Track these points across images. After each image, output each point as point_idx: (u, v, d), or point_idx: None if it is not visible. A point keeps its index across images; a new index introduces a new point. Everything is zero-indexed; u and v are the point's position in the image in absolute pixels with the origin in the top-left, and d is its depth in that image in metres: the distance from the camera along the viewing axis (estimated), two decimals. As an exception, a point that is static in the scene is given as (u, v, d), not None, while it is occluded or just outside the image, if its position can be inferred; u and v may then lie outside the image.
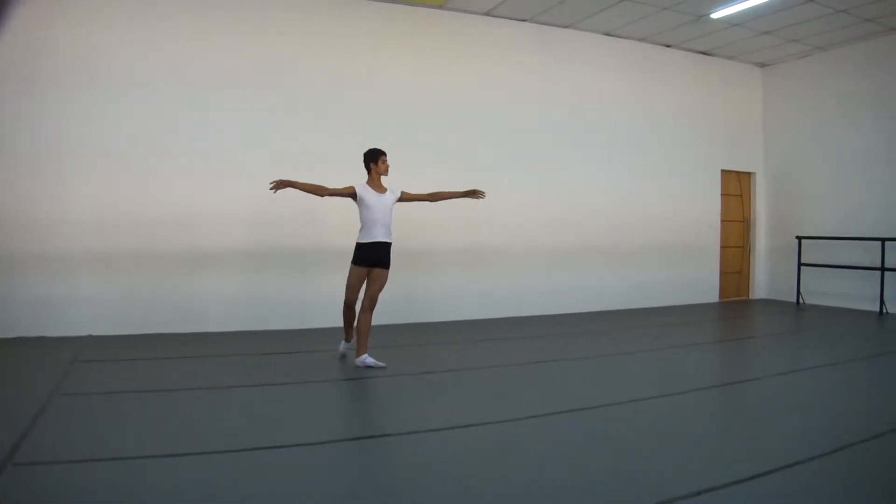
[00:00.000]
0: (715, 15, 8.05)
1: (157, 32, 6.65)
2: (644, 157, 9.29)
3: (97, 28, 6.44)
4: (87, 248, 6.39)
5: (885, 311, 8.47)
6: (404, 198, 5.24)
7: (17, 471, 2.92)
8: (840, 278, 9.11)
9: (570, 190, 8.71)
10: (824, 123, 9.48)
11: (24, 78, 6.17)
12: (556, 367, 5.50)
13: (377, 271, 5.11)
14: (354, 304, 5.23)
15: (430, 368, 5.32)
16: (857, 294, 8.90)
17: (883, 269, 8.39)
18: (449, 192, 5.46)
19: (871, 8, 7.62)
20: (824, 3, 7.48)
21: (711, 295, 9.98)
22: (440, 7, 7.87)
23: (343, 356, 5.54)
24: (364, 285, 5.17)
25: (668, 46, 9.43)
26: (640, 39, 9.14)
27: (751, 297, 10.45)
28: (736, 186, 10.39)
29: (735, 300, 10.20)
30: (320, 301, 7.10)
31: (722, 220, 10.16)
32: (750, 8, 7.70)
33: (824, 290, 9.36)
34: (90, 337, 6.29)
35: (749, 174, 10.47)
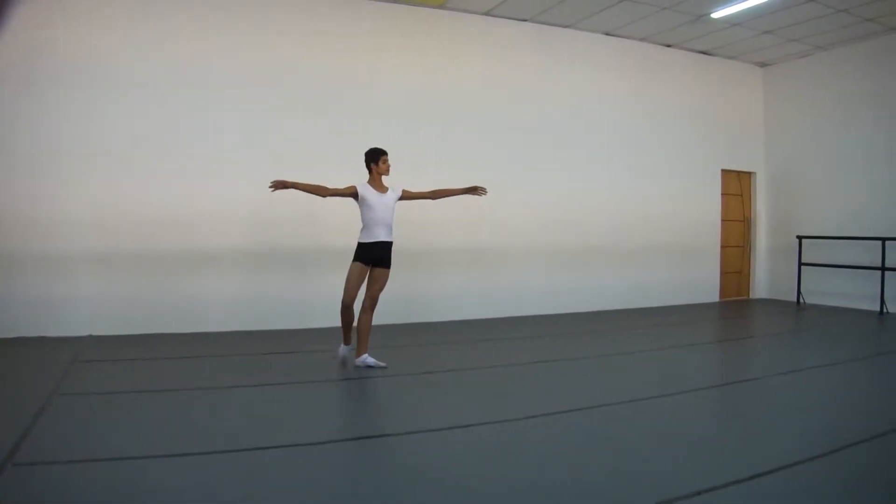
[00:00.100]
0: (715, 15, 8.05)
1: (157, 32, 6.65)
2: (644, 156, 9.29)
3: (97, 28, 6.44)
4: (87, 248, 6.39)
5: (885, 310, 8.47)
6: (406, 196, 5.23)
7: (17, 471, 2.92)
8: (840, 278, 9.11)
9: (570, 190, 8.71)
10: (824, 123, 9.47)
11: (24, 78, 6.17)
12: (556, 367, 5.50)
13: (378, 271, 5.10)
14: (353, 304, 5.12)
15: (430, 368, 5.32)
16: (857, 294, 8.90)
17: (883, 268, 8.39)
18: (450, 190, 5.45)
19: (871, 8, 7.62)
20: (825, 2, 7.48)
21: (712, 295, 9.98)
22: (440, 7, 7.87)
23: (343, 361, 5.32)
24: (364, 285, 5.16)
25: (669, 46, 9.43)
26: (641, 39, 9.14)
27: (751, 296, 10.45)
28: (736, 186, 10.39)
29: (735, 300, 10.20)
30: (320, 301, 7.09)
31: (722, 220, 10.16)
32: (750, 8, 7.70)
33: (825, 290, 9.36)
34: (90, 337, 6.29)
35: (749, 174, 10.46)
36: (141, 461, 3.10)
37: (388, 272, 5.16)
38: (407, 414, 4.15)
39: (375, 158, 5.16)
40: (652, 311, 8.89)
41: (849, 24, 8.22)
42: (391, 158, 5.25)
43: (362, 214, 5.11)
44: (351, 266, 5.10)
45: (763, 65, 10.30)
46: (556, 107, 8.67)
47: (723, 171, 10.11)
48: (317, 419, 3.96)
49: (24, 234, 6.18)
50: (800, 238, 9.49)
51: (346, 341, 5.34)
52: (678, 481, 2.90)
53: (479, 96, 8.17)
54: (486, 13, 8.14)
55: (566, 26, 8.64)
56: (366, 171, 5.22)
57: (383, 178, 5.23)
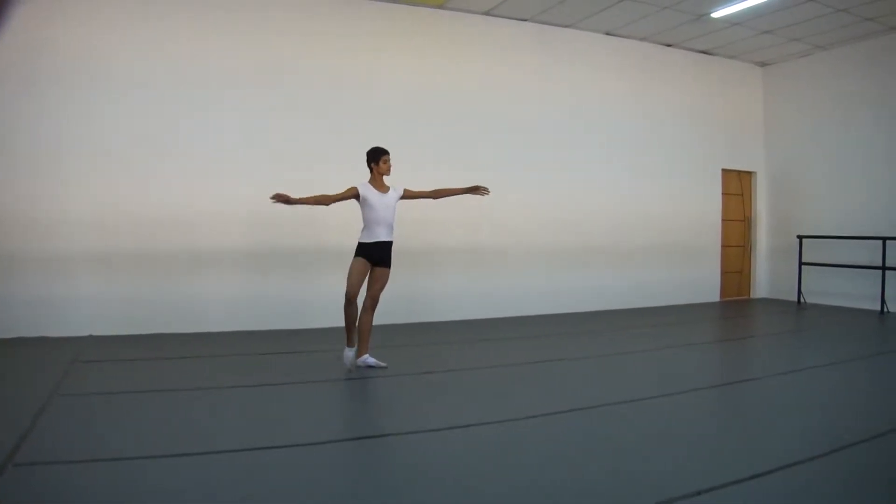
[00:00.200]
0: (715, 14, 8.04)
1: (157, 32, 6.65)
2: (644, 156, 9.29)
3: (97, 28, 6.44)
4: (87, 248, 6.39)
5: (885, 310, 8.47)
6: (407, 195, 5.21)
7: (17, 471, 2.92)
8: (841, 277, 9.10)
9: (570, 190, 8.70)
10: (824, 123, 9.47)
11: (24, 78, 6.17)
12: (556, 367, 5.50)
13: (379, 270, 5.08)
14: (356, 298, 5.00)
15: (430, 368, 5.31)
16: (857, 293, 8.90)
17: (884, 268, 8.39)
18: (451, 189, 5.41)
19: (871, 7, 7.62)
20: (824, 2, 7.47)
21: (712, 294, 9.97)
22: (440, 7, 7.87)
23: (352, 367, 5.08)
24: (365, 284, 5.14)
25: (669, 46, 9.43)
26: (641, 39, 9.14)
27: (752, 296, 10.45)
28: (737, 186, 10.39)
29: (736, 300, 10.20)
30: (320, 301, 7.10)
31: (723, 220, 10.15)
32: (750, 7, 7.70)
33: (825, 290, 9.36)
34: (90, 337, 6.30)
35: (750, 173, 10.46)
36: (141, 461, 3.10)
37: (389, 272, 5.15)
38: (407, 414, 4.14)
39: (376, 158, 5.14)
40: (652, 311, 8.89)
41: (849, 24, 8.21)
42: (391, 158, 5.23)
43: (363, 214, 5.09)
44: (352, 262, 5.04)
45: (763, 64, 10.30)
46: (556, 107, 8.66)
47: (723, 170, 10.11)
48: (317, 419, 3.96)
49: (24, 234, 6.18)
50: (800, 238, 9.49)
51: (351, 343, 5.12)
52: (678, 481, 2.90)
53: (479, 96, 8.16)
54: (486, 13, 8.13)
55: (566, 26, 8.64)
56: (366, 170, 5.21)
57: (384, 177, 5.21)
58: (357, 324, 5.13)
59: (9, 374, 4.88)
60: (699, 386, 4.82)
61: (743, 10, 7.79)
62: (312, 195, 5.05)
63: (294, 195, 5.08)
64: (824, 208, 9.46)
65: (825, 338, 7.11)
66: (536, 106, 8.54)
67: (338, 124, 7.33)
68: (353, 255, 5.10)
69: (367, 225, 5.08)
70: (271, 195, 4.95)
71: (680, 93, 9.59)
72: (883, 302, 8.49)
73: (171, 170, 6.68)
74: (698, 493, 2.73)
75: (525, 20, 8.42)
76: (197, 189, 6.78)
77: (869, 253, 8.68)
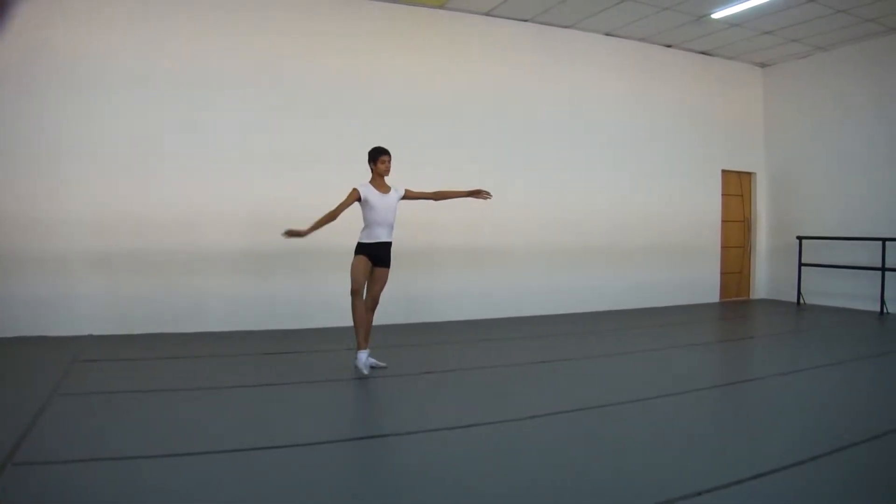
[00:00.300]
0: (715, 15, 8.05)
1: (157, 32, 6.65)
2: (644, 157, 9.29)
3: (97, 28, 6.44)
4: (87, 247, 6.39)
5: (885, 310, 8.47)
6: (408, 196, 5.18)
7: (17, 471, 2.92)
8: (840, 278, 9.11)
9: (570, 190, 8.71)
10: (825, 123, 9.47)
11: (24, 78, 6.17)
12: (556, 367, 5.50)
13: (379, 270, 5.06)
14: (362, 291, 4.92)
15: (430, 368, 5.31)
16: (857, 294, 8.90)
17: (883, 268, 8.39)
18: (453, 192, 5.39)
19: (871, 8, 7.62)
20: (825, 3, 7.48)
21: (712, 295, 9.98)
22: (440, 7, 7.87)
23: (365, 368, 4.88)
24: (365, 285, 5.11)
25: (669, 46, 9.43)
26: (641, 39, 9.14)
27: (751, 297, 10.45)
28: (736, 186, 10.39)
29: (735, 300, 10.20)
30: (320, 301, 7.10)
31: (722, 220, 10.16)
32: (750, 8, 7.70)
33: (825, 290, 9.36)
34: (90, 336, 6.29)
35: (749, 174, 10.46)
36: (141, 461, 3.10)
37: (388, 271, 5.14)
38: (407, 414, 4.14)
39: (374, 158, 5.09)
40: (652, 311, 8.89)
41: (849, 25, 8.22)
42: (392, 158, 5.19)
43: (364, 215, 5.05)
44: (354, 259, 4.98)
45: (763, 65, 10.30)
46: (556, 107, 8.67)
47: (723, 171, 10.11)
48: (317, 419, 3.96)
49: (24, 234, 6.18)
50: (800, 238, 9.49)
51: (363, 344, 4.95)
52: (678, 481, 2.90)
53: (479, 96, 8.16)
54: (487, 13, 8.14)
55: (567, 26, 8.64)
56: (366, 169, 5.18)
57: (386, 177, 5.17)
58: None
59: (9, 374, 4.88)
60: (699, 386, 4.82)
61: (743, 10, 7.79)
62: (319, 219, 4.92)
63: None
64: (824, 209, 9.46)
65: (825, 338, 7.11)
66: (536, 106, 8.54)
67: (338, 124, 7.33)
68: (352, 255, 5.07)
69: (368, 225, 5.05)
70: (282, 232, 4.89)
71: (680, 93, 9.59)
72: (882, 303, 8.49)
73: (171, 170, 6.68)
74: (699, 494, 2.73)
75: (525, 21, 8.43)
76: (197, 189, 6.77)
77: (868, 254, 8.69)
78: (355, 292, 4.92)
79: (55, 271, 6.27)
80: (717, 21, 8.26)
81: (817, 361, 5.73)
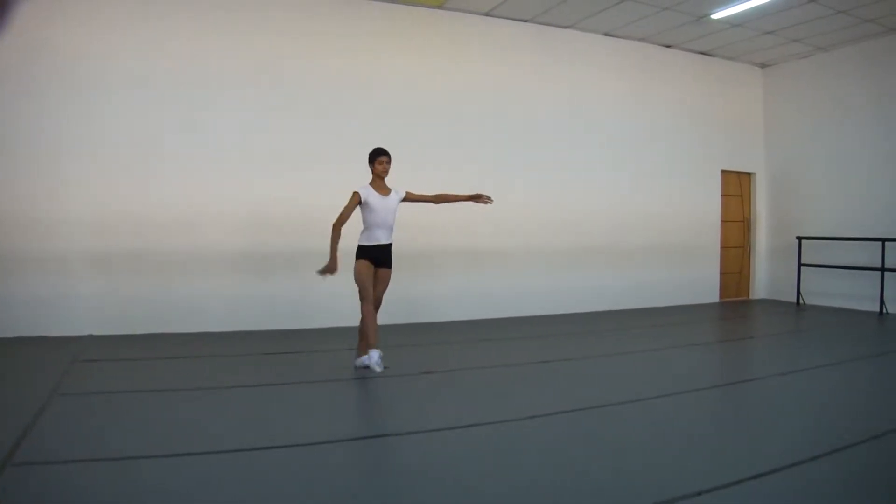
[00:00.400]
0: (715, 15, 8.05)
1: (157, 32, 6.65)
2: (644, 157, 9.29)
3: (97, 28, 6.44)
4: (87, 247, 6.39)
5: (885, 311, 8.47)
6: (408, 198, 5.14)
7: (17, 471, 2.92)
8: (840, 278, 9.11)
9: (569, 190, 8.71)
10: (824, 123, 9.48)
11: (24, 78, 6.17)
12: (556, 367, 5.50)
13: (382, 272, 5.03)
14: (371, 298, 4.86)
15: (430, 368, 5.31)
16: (857, 294, 8.90)
17: (883, 269, 8.40)
18: (454, 195, 5.35)
19: (871, 9, 7.62)
20: (825, 3, 7.48)
21: (711, 295, 9.98)
22: (440, 7, 7.87)
23: (378, 366, 4.61)
24: None
25: (669, 47, 9.43)
26: (641, 40, 9.14)
27: (751, 297, 10.45)
28: (736, 187, 10.39)
29: (735, 300, 10.20)
30: (320, 301, 7.10)
31: (722, 221, 10.16)
32: (750, 8, 7.70)
33: (824, 291, 9.36)
34: (90, 337, 6.29)
35: (749, 174, 10.47)
36: (141, 461, 3.10)
37: (391, 272, 5.12)
38: (407, 414, 4.15)
39: (372, 159, 5.06)
40: (652, 311, 8.90)
41: (849, 26, 8.22)
42: (392, 159, 5.15)
43: (363, 216, 5.00)
44: (357, 265, 4.92)
45: (763, 65, 10.30)
46: (556, 107, 8.67)
47: (722, 171, 10.11)
48: (317, 419, 3.96)
49: (24, 234, 6.18)
50: (799, 239, 9.49)
51: (374, 344, 4.74)
52: (678, 481, 2.90)
53: (479, 97, 8.17)
54: (486, 13, 8.14)
55: (566, 27, 8.64)
56: (366, 170, 5.16)
57: (386, 179, 5.14)
58: (359, 325, 5.10)
59: (9, 374, 4.88)
60: (699, 386, 4.82)
61: (743, 11, 7.79)
62: (332, 240, 4.83)
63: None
64: (824, 209, 9.46)
65: (825, 338, 7.12)
66: (536, 106, 8.54)
67: (338, 124, 7.33)
68: (353, 256, 4.98)
69: (367, 227, 5.00)
70: (318, 271, 4.79)
71: (680, 94, 9.59)
72: (882, 303, 8.49)
73: (171, 170, 6.68)
74: (698, 494, 2.73)
75: (525, 21, 8.43)
76: (197, 189, 6.77)
77: (868, 254, 8.69)
78: (365, 298, 4.84)
79: (55, 271, 6.27)
80: (717, 21, 8.26)
81: (817, 361, 5.74)
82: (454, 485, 2.91)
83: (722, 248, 10.16)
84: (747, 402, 4.55)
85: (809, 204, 9.71)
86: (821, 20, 8.04)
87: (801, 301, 9.54)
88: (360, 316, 5.13)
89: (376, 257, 4.98)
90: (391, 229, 5.06)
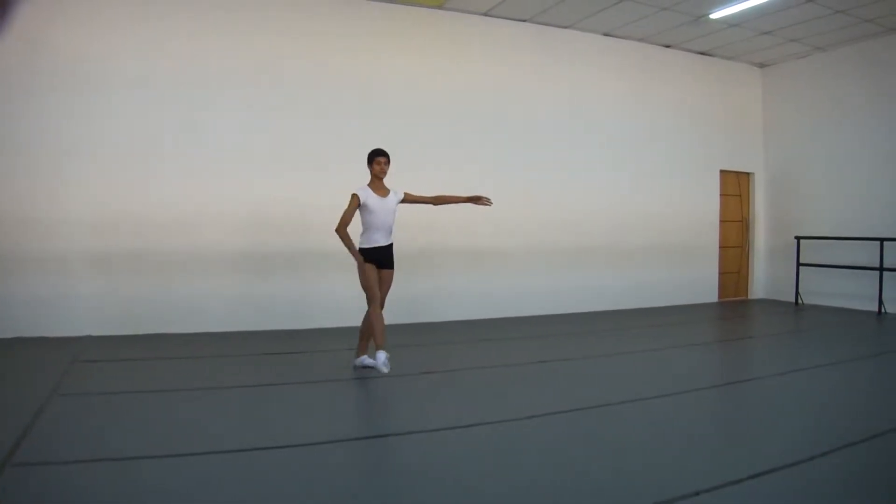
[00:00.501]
0: (714, 15, 8.05)
1: (157, 32, 6.65)
2: (643, 157, 9.30)
3: (97, 28, 6.44)
4: (87, 247, 6.39)
5: (883, 310, 8.48)
6: (407, 199, 5.11)
7: (17, 471, 2.92)
8: (839, 278, 9.12)
9: (570, 190, 8.71)
10: (823, 123, 9.49)
11: (24, 78, 6.17)
12: (556, 367, 5.50)
13: (385, 273, 5.00)
14: (379, 300, 4.85)
15: (430, 368, 5.32)
16: (855, 294, 8.91)
17: (882, 268, 8.40)
18: (453, 197, 5.34)
19: (870, 8, 7.63)
20: (823, 3, 7.49)
21: (710, 295, 9.99)
22: (440, 7, 7.88)
23: (385, 367, 4.59)
24: None
25: (668, 47, 9.44)
26: (640, 40, 9.15)
27: (750, 297, 10.46)
28: (734, 186, 10.40)
29: (734, 300, 10.21)
30: (320, 301, 7.11)
31: (721, 220, 10.17)
32: (749, 8, 7.71)
33: (823, 290, 9.37)
34: (90, 337, 6.29)
35: (748, 174, 10.47)
36: (141, 461, 3.10)
37: (393, 272, 5.09)
38: (407, 414, 4.15)
39: (371, 160, 5.03)
40: (651, 311, 8.90)
41: (847, 25, 8.23)
42: (391, 159, 5.14)
43: (363, 218, 4.96)
44: (360, 270, 4.87)
45: (762, 65, 10.31)
46: (555, 107, 8.67)
47: (721, 171, 10.12)
48: (317, 419, 3.96)
49: (24, 234, 6.17)
50: (798, 238, 9.50)
51: (381, 346, 4.71)
52: (678, 481, 2.90)
53: (479, 96, 8.17)
54: (486, 13, 8.14)
55: (565, 27, 8.65)
56: (365, 170, 5.15)
57: (385, 178, 5.12)
58: (362, 324, 5.10)
59: (8, 374, 4.88)
60: (699, 386, 4.82)
61: (742, 11, 7.80)
62: (345, 240, 4.80)
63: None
64: (822, 209, 9.47)
65: (823, 338, 7.12)
66: (536, 106, 8.54)
67: (338, 124, 7.33)
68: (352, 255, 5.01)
69: (366, 229, 4.95)
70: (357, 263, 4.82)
71: (679, 93, 9.60)
72: (881, 302, 8.50)
73: (171, 170, 6.68)
74: (697, 494, 2.74)
75: (524, 21, 8.43)
76: (197, 189, 6.77)
77: (867, 254, 8.70)
78: (372, 302, 4.81)
79: (55, 271, 6.27)
80: (716, 21, 8.27)
81: (816, 361, 5.74)
82: (454, 485, 2.91)
83: (721, 247, 10.17)
84: (747, 402, 4.55)
85: (808, 204, 9.71)
86: (819, 20, 8.05)
87: (799, 301, 9.55)
88: (361, 316, 5.14)
89: (377, 259, 4.95)
90: (390, 231, 5.03)
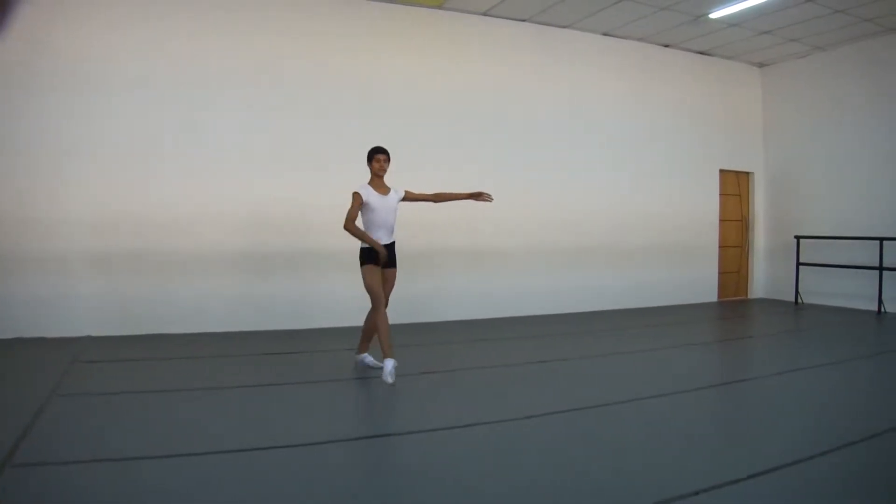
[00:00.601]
0: (713, 15, 8.05)
1: (157, 32, 6.65)
2: (643, 157, 9.30)
3: (97, 28, 6.44)
4: (87, 248, 6.39)
5: (883, 310, 8.49)
6: (408, 197, 5.10)
7: (16, 471, 2.92)
8: (838, 278, 9.12)
9: (570, 190, 8.71)
10: (823, 123, 9.49)
11: (24, 78, 6.17)
12: (556, 366, 5.50)
13: (388, 272, 4.97)
14: (384, 303, 4.81)
15: (430, 368, 5.32)
16: (855, 293, 8.91)
17: (881, 268, 8.41)
18: (453, 194, 5.31)
19: (869, 8, 7.63)
20: (823, 3, 7.49)
21: (710, 295, 9.99)
22: (439, 7, 7.88)
23: (390, 377, 4.53)
24: None
25: (667, 46, 9.44)
26: (640, 39, 9.15)
27: (749, 296, 10.46)
28: (734, 186, 10.40)
29: (734, 300, 10.21)
30: (320, 301, 7.11)
31: (720, 220, 10.17)
32: (748, 8, 7.71)
33: (823, 290, 9.37)
34: (90, 337, 6.29)
35: (748, 174, 10.48)
36: (141, 461, 3.10)
37: (396, 271, 5.07)
38: (407, 414, 4.15)
39: (370, 158, 5.00)
40: (651, 311, 8.90)
41: (847, 25, 8.23)
42: (391, 158, 5.13)
43: (364, 217, 4.94)
44: (364, 269, 4.85)
45: (761, 65, 10.31)
46: (555, 107, 8.67)
47: (721, 171, 10.12)
48: (317, 419, 3.96)
49: (24, 234, 6.17)
50: (798, 238, 9.51)
51: (388, 353, 4.65)
52: (678, 481, 2.90)
53: (479, 96, 8.17)
54: (485, 13, 8.14)
55: (565, 26, 8.65)
56: (365, 170, 5.14)
57: (385, 178, 5.11)
58: (365, 323, 5.09)
59: (8, 374, 4.88)
60: (699, 386, 4.82)
61: (741, 10, 7.80)
62: (358, 233, 4.81)
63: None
64: (822, 209, 9.47)
65: (823, 338, 7.13)
66: (536, 106, 8.54)
67: (338, 124, 7.33)
68: (356, 256, 4.94)
69: (368, 228, 4.93)
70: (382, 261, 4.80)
71: (678, 93, 9.60)
72: (880, 302, 8.50)
73: (171, 170, 6.68)
74: (697, 493, 2.74)
75: (524, 20, 8.43)
76: (197, 189, 6.77)
77: (866, 253, 8.70)
78: (377, 305, 4.77)
79: (55, 271, 6.27)
80: (715, 21, 8.27)
81: (816, 361, 5.74)
82: (454, 485, 2.91)
83: (720, 247, 10.18)
84: (746, 402, 4.56)
85: (808, 203, 9.72)
86: (818, 20, 8.05)
87: (799, 300, 9.56)
88: (361, 316, 5.14)
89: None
90: (392, 229, 5.01)
